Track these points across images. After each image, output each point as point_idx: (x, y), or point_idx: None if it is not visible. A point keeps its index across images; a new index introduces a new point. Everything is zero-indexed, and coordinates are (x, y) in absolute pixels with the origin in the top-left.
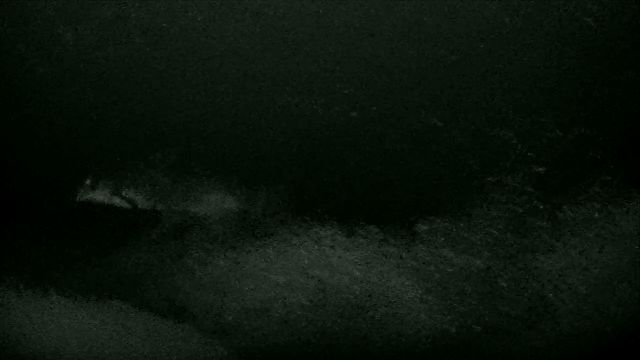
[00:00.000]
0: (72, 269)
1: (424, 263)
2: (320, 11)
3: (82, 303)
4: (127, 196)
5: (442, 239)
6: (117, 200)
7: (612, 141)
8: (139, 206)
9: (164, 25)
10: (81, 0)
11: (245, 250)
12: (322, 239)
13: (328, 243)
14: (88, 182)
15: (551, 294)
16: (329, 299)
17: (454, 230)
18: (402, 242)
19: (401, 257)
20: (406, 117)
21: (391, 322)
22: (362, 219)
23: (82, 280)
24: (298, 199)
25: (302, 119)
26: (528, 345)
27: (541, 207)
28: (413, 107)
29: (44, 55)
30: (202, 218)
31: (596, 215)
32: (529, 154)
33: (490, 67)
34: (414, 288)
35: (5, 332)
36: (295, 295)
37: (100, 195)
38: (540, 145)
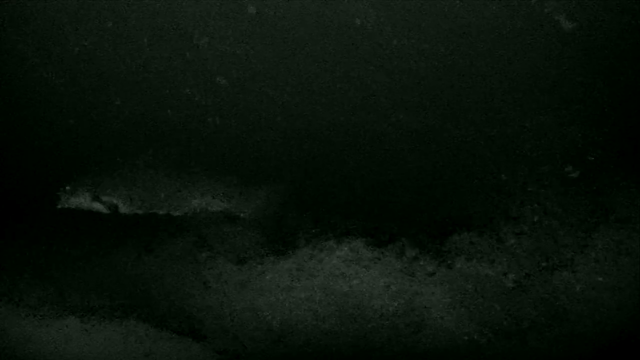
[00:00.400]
0: (72, 269)
1: (431, 270)
2: (320, 11)
3: (83, 303)
4: (125, 197)
5: (447, 239)
6: (100, 205)
7: (612, 141)
8: (137, 207)
9: (164, 25)
10: (81, 0)
11: (248, 251)
12: (336, 250)
13: (343, 255)
14: (68, 187)
15: (555, 296)
16: (335, 305)
17: (460, 236)
18: (403, 244)
19: (411, 265)
20: (406, 117)
21: (392, 324)
22: (362, 218)
23: (82, 280)
24: (298, 199)
25: (302, 119)
26: (528, 345)
27: (545, 209)
28: (413, 107)
29: (44, 55)
30: (201, 218)
31: (596, 217)
32: (529, 154)
33: (490, 67)
34: (419, 291)
35: (6, 332)
36: (305, 304)
37: (102, 190)
38: (540, 146)
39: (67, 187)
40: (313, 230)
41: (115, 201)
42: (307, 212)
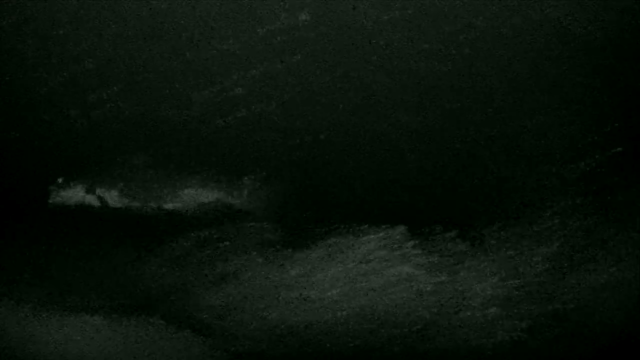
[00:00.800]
0: (72, 269)
1: (433, 260)
2: (320, 11)
3: (83, 303)
4: (126, 194)
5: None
6: (92, 197)
7: (612, 141)
8: (136, 207)
9: (164, 25)
10: (81, 0)
11: (248, 250)
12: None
13: (343, 256)
14: (88, 172)
15: (555, 296)
16: (334, 304)
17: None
18: (411, 243)
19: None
20: (406, 117)
21: (394, 323)
22: (361, 218)
23: (82, 280)
24: (298, 199)
25: (302, 119)
26: (528, 345)
27: (544, 209)
28: (413, 107)
29: (44, 55)
30: (201, 218)
31: (596, 218)
32: (529, 154)
33: (490, 67)
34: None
35: (6, 332)
36: (305, 304)
37: (103, 190)
38: (540, 146)
39: (59, 180)
40: (314, 231)
41: (107, 196)
42: (308, 212)
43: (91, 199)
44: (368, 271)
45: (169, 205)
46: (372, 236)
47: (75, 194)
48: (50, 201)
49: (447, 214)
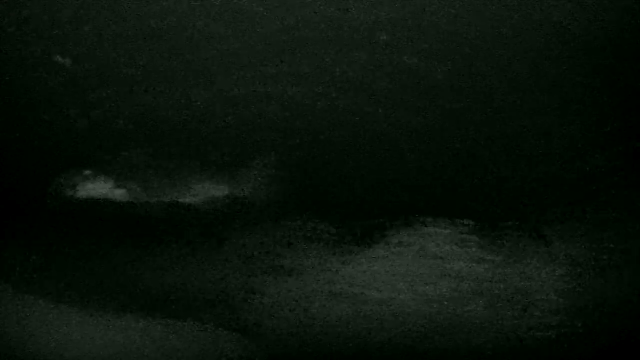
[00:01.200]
0: (72, 269)
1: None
2: (321, 11)
3: (83, 303)
4: (132, 192)
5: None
6: (119, 195)
7: (612, 142)
8: (136, 207)
9: (164, 25)
10: (81, 0)
11: (248, 251)
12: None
13: (340, 257)
14: (87, 172)
15: (555, 296)
16: (330, 303)
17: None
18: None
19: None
20: (406, 117)
21: (391, 320)
22: (361, 217)
23: (82, 280)
24: (298, 199)
25: (302, 119)
26: (528, 345)
27: (545, 209)
28: (413, 107)
29: (44, 55)
30: (201, 218)
31: (595, 218)
32: (529, 154)
33: (490, 67)
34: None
35: (6, 332)
36: (303, 304)
37: (103, 189)
38: (540, 146)
39: (87, 172)
40: (317, 230)
41: (110, 194)
42: (307, 212)
43: (118, 194)
44: (426, 266)
45: (168, 202)
46: (434, 230)
47: (98, 187)
48: (75, 194)
49: (446, 213)
